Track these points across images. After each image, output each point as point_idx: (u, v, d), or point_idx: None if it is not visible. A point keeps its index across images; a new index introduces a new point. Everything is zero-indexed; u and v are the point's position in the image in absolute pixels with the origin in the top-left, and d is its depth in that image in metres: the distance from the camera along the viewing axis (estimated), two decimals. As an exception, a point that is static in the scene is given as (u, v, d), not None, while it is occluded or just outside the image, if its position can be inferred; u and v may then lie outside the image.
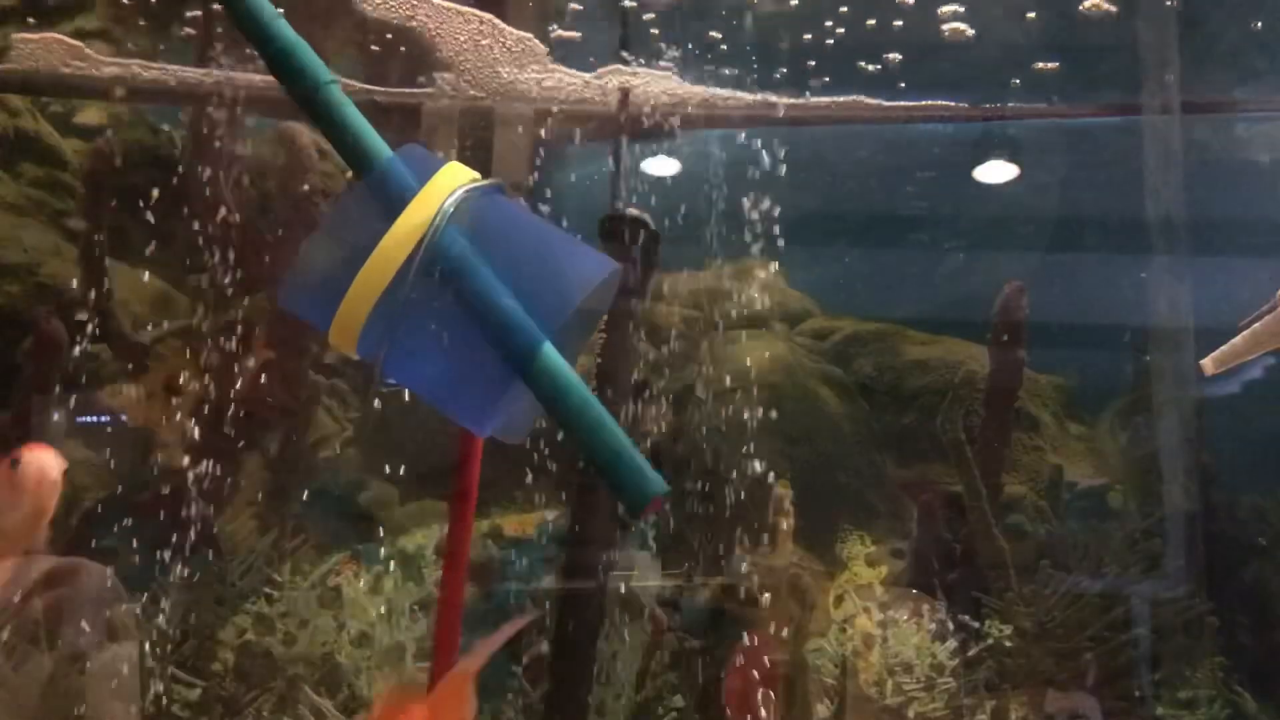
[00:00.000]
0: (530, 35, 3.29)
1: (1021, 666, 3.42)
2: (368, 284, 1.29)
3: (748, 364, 4.04)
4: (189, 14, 3.51)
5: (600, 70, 3.49)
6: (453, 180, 1.36)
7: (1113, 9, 3.45)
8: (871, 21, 3.51)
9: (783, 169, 3.32)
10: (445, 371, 1.36)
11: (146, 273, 3.87)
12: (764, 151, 3.43)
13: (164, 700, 3.06)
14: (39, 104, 4.04)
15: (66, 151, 4.06)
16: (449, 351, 1.33)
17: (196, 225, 3.45)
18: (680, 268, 4.33)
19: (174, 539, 3.12)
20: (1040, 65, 3.73)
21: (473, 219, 1.34)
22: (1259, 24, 3.54)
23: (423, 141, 1.33)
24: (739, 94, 3.65)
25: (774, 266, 4.69)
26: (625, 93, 3.51)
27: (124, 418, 3.65)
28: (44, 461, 1.31)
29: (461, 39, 3.20)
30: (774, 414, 3.54)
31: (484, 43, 3.21)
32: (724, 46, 3.59)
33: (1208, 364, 1.93)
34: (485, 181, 1.38)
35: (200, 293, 3.52)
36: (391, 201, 1.32)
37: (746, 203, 3.33)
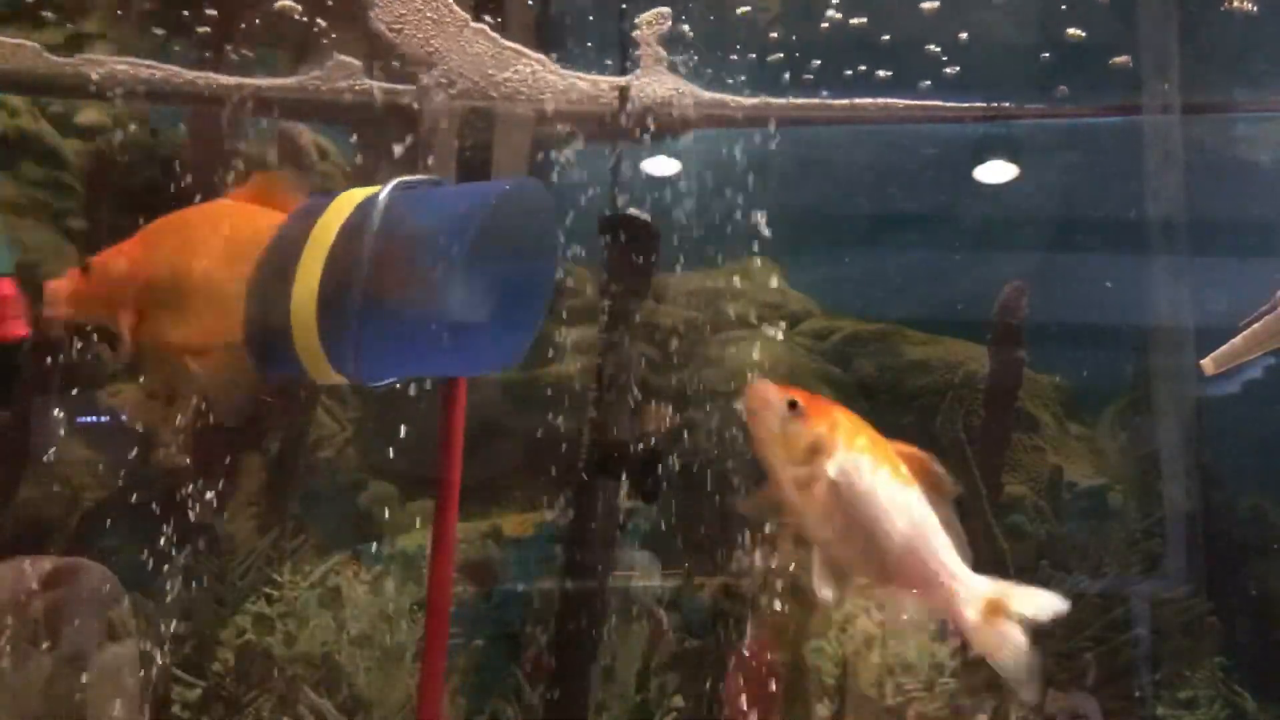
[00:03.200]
0: (465, 15, 3.24)
1: (1021, 667, 3.41)
2: (302, 314, 1.35)
3: (747, 364, 4.04)
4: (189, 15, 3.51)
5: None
6: (347, 202, 1.45)
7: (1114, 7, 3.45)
8: (869, 20, 3.51)
9: (783, 169, 3.32)
10: (421, 347, 1.41)
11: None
12: (764, 152, 3.43)
13: (164, 700, 3.06)
14: (39, 104, 4.03)
15: (66, 151, 4.06)
16: (412, 325, 1.38)
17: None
18: (680, 268, 4.33)
19: (174, 539, 3.12)
20: (1041, 65, 3.72)
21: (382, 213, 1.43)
22: (1259, 24, 3.54)
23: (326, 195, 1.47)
24: (726, 97, 3.63)
25: (774, 266, 4.70)
26: (624, 90, 3.50)
27: (124, 418, 3.65)
28: None
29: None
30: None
31: (406, 14, 3.15)
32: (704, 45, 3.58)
33: (1208, 364, 1.93)
34: (383, 187, 1.47)
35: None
36: (294, 247, 1.41)
37: (747, 203, 3.33)
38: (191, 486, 3.24)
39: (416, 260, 1.36)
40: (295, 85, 3.32)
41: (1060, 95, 3.90)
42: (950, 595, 1.47)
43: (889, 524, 1.44)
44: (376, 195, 1.43)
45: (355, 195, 1.48)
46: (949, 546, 1.47)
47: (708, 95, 3.60)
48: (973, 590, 1.46)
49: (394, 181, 1.45)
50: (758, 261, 4.57)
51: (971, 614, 1.46)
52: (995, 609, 1.47)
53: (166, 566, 3.14)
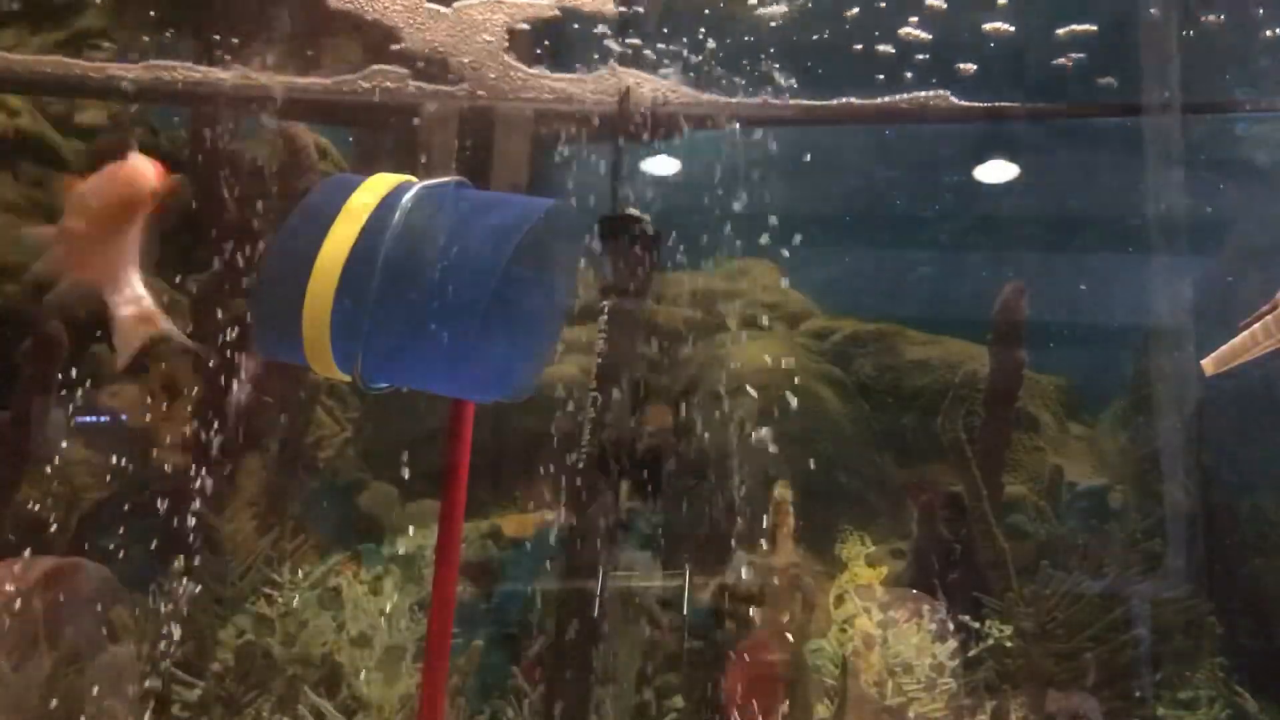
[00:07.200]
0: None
1: (1022, 667, 3.41)
2: (316, 305, 1.34)
3: (747, 364, 4.03)
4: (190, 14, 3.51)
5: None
6: (373, 190, 1.42)
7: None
8: (870, 20, 3.51)
9: (783, 169, 3.32)
10: (427, 358, 1.39)
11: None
12: (764, 152, 3.43)
13: (164, 700, 3.06)
14: (39, 104, 4.03)
15: (66, 151, 4.06)
16: (424, 339, 1.37)
17: (196, 225, 3.45)
18: (680, 268, 4.33)
19: (174, 539, 3.12)
20: (1042, 64, 3.72)
21: (412, 208, 1.40)
22: (1260, 24, 3.54)
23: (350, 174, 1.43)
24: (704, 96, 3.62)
25: (774, 267, 4.70)
26: (626, 91, 3.50)
27: (124, 418, 3.65)
28: (140, 166, 1.80)
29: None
30: (774, 414, 3.55)
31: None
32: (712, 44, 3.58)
33: (1208, 364, 1.92)
34: (412, 181, 1.43)
35: (200, 292, 3.52)
36: (318, 229, 1.38)
37: (747, 203, 3.33)
38: (191, 487, 3.24)
39: (444, 269, 1.33)
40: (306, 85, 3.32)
41: (1060, 95, 3.90)
42: (118, 292, 1.78)
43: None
44: (413, 189, 1.40)
45: (389, 180, 1.44)
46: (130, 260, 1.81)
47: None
48: (135, 295, 1.78)
49: (428, 180, 1.43)
50: (758, 262, 4.57)
51: (126, 310, 1.77)
52: (146, 319, 1.78)
53: (166, 566, 3.14)
